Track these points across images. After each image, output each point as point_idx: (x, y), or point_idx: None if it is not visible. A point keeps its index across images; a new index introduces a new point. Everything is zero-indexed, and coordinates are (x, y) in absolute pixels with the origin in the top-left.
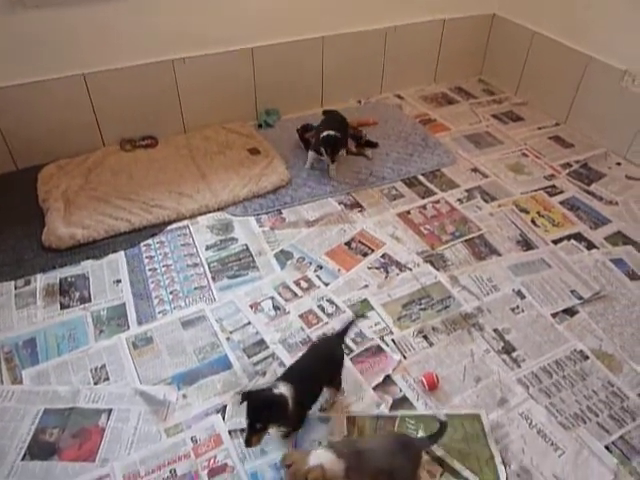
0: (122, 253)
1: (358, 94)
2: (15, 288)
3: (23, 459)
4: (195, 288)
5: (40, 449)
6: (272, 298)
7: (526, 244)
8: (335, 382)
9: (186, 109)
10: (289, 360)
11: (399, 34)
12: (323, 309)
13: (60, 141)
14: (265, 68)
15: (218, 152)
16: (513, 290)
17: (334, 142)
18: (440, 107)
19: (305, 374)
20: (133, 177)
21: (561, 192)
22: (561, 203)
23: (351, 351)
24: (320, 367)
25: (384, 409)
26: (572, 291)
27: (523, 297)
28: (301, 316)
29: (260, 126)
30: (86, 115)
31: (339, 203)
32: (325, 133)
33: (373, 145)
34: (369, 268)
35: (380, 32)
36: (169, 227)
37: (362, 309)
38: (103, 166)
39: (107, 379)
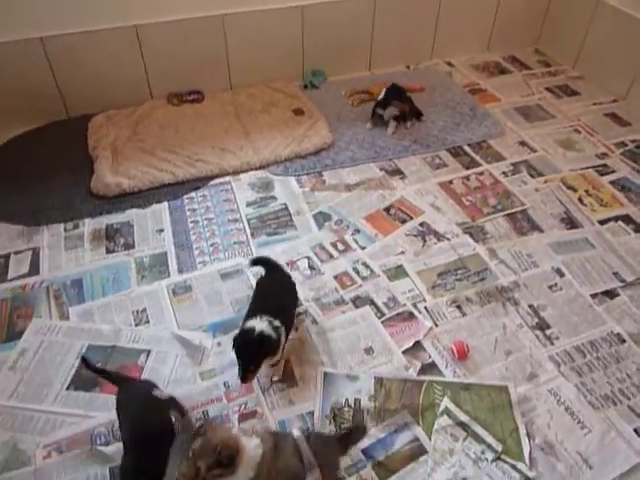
0: (166, 204)
1: (407, 59)
2: (65, 230)
3: (68, 389)
4: (234, 242)
5: (83, 381)
6: (308, 258)
7: (570, 222)
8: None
9: (233, 66)
10: (321, 318)
11: None
12: (358, 272)
13: (110, 92)
14: (314, 28)
15: (262, 111)
16: (552, 268)
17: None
18: (492, 77)
19: (275, 305)
20: (179, 131)
21: (612, 172)
22: (611, 183)
23: (382, 315)
24: (282, 294)
25: (412, 373)
26: (614, 273)
27: (562, 275)
28: (336, 277)
29: (306, 87)
30: (136, 67)
31: (380, 169)
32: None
33: (418, 114)
34: (406, 235)
35: None
36: (212, 182)
37: (397, 275)
38: (150, 119)
39: (147, 322)
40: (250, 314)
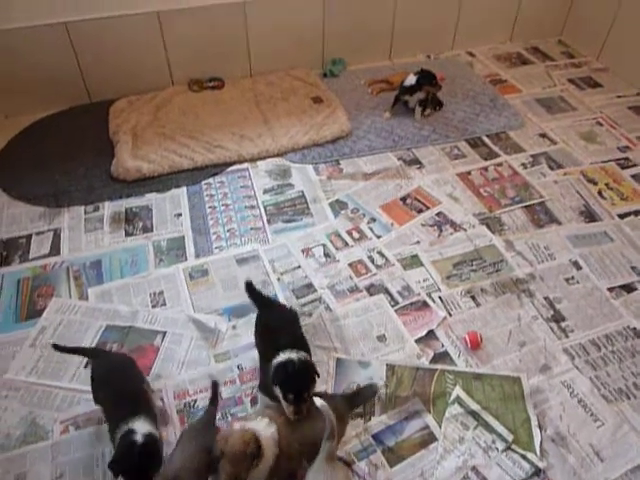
0: (184, 189)
1: (428, 49)
2: (85, 213)
3: (85, 367)
4: (251, 228)
5: None
6: (323, 245)
7: (589, 215)
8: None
9: (253, 53)
10: (335, 305)
11: None
12: (373, 260)
13: (132, 78)
14: (335, 15)
15: (282, 98)
16: (570, 260)
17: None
18: (513, 67)
19: (292, 339)
20: (199, 117)
21: (634, 165)
22: (633, 177)
23: (396, 303)
24: (292, 328)
25: (424, 361)
26: (633, 267)
27: (579, 268)
28: (350, 265)
29: (325, 75)
30: (158, 53)
31: (398, 158)
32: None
33: (439, 104)
34: (422, 225)
35: None
36: (230, 168)
37: (411, 264)
38: (171, 104)
39: (164, 304)
40: (270, 354)
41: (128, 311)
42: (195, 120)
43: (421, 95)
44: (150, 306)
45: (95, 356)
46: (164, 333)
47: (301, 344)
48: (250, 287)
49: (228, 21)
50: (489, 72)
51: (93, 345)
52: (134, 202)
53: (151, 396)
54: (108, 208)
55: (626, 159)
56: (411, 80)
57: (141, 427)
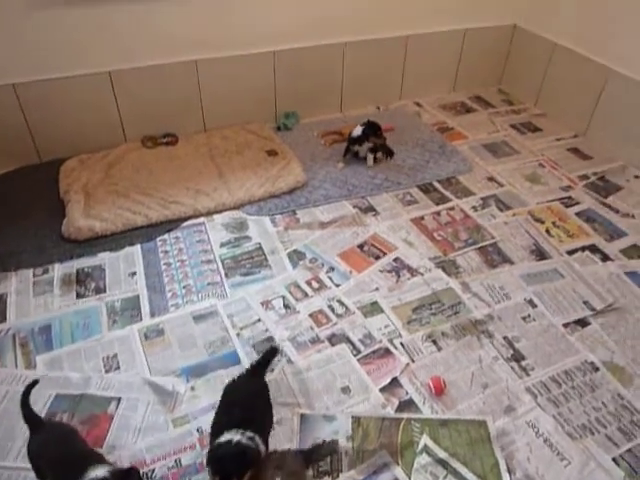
0: (139, 247)
1: (377, 100)
2: (34, 276)
3: None
4: (208, 284)
5: None
6: (283, 297)
7: (540, 254)
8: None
9: (207, 109)
10: (297, 358)
11: (420, 42)
12: (333, 309)
13: (83, 136)
14: (286, 72)
15: (236, 152)
16: (525, 299)
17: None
18: (458, 115)
19: (244, 416)
20: (153, 173)
21: (577, 203)
22: (577, 214)
23: (359, 352)
24: (251, 401)
25: (390, 411)
26: (585, 302)
27: (535, 306)
28: (311, 315)
29: (279, 128)
30: (110, 112)
31: (353, 206)
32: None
33: (390, 153)
34: (380, 271)
35: (401, 40)
36: (185, 223)
37: (372, 311)
38: (124, 161)
39: (118, 368)
40: (216, 431)
41: (79, 378)
42: (149, 176)
43: (369, 145)
44: (103, 371)
45: (37, 428)
46: (118, 399)
47: (255, 422)
48: (274, 351)
49: (181, 79)
50: (436, 120)
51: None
52: (86, 262)
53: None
54: (58, 270)
55: (569, 198)
56: (357, 131)
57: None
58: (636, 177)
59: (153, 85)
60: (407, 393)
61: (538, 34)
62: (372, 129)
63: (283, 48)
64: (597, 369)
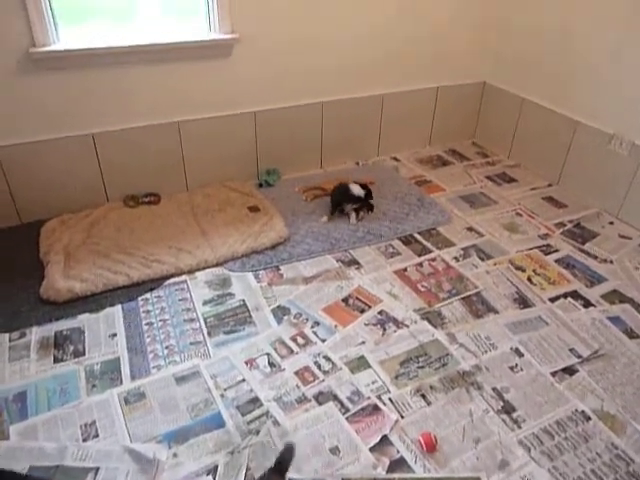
0: (119, 307)
1: (356, 156)
2: (9, 340)
3: None
4: (191, 343)
5: None
6: (268, 354)
7: (523, 302)
8: None
9: (189, 168)
10: (283, 419)
11: (395, 100)
12: (319, 366)
13: (65, 197)
14: (266, 131)
15: (219, 209)
16: (511, 348)
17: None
18: (435, 169)
19: None
20: (134, 232)
21: (556, 251)
22: (556, 261)
23: (347, 410)
24: None
25: (381, 471)
26: (571, 349)
27: (521, 355)
28: (297, 373)
29: (261, 185)
30: (92, 173)
31: (337, 260)
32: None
33: (370, 208)
34: (366, 325)
35: (377, 98)
36: (167, 282)
37: (359, 366)
38: (106, 221)
39: (96, 436)
40: None
41: (55, 448)
42: (131, 235)
43: (354, 205)
44: (81, 439)
45: None
46: (96, 470)
47: None
48: (290, 450)
49: (163, 139)
50: (414, 174)
51: None
52: (65, 325)
53: None
54: (36, 333)
55: (547, 245)
56: (358, 191)
57: None
58: (610, 223)
59: (135, 146)
60: (398, 451)
61: (506, 90)
62: (370, 195)
63: (263, 108)
64: (589, 418)
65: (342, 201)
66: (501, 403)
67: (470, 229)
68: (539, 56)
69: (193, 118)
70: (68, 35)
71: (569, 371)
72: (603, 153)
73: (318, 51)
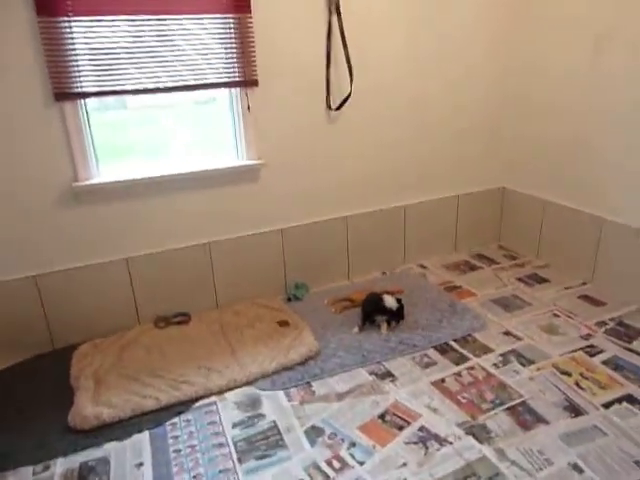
0: (147, 433)
1: (382, 266)
2: (33, 474)
3: None
4: (220, 471)
5: None
6: None
7: (574, 410)
8: None
9: (219, 286)
10: None
11: (417, 210)
12: None
13: (98, 321)
14: (293, 246)
15: (248, 325)
16: (569, 464)
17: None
18: (464, 274)
19: None
20: (165, 354)
21: (601, 351)
22: (604, 363)
23: None
24: None
25: None
26: (636, 462)
27: (581, 471)
28: None
29: (289, 299)
30: (125, 295)
31: (370, 373)
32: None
33: (401, 317)
34: (406, 443)
35: (399, 209)
36: (196, 404)
37: None
38: (136, 344)
39: None
40: None
41: None
42: (161, 357)
43: (385, 316)
44: None
45: None
46: None
47: None
48: None
49: (194, 260)
50: (442, 280)
51: None
52: (90, 454)
53: None
54: (60, 465)
55: (591, 346)
56: (393, 304)
57: None
58: None
59: (167, 268)
60: None
61: (526, 193)
62: (403, 308)
63: (290, 225)
64: None
65: (374, 312)
66: None
67: (507, 333)
68: (554, 156)
69: (224, 238)
70: (108, 170)
71: None
72: (633, 247)
73: (340, 167)
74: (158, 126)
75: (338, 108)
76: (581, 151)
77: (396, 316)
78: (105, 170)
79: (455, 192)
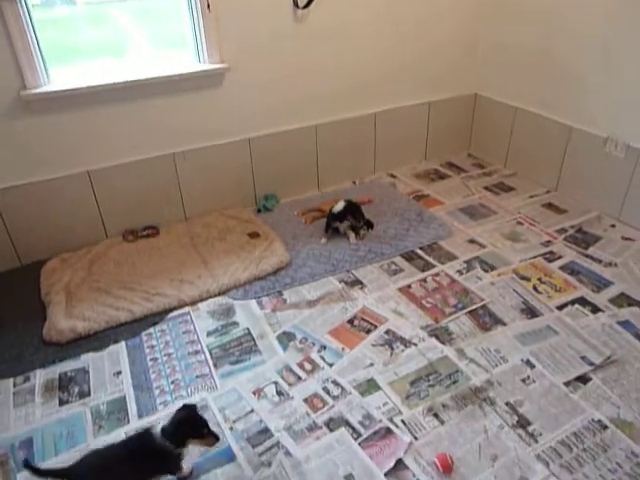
0: (123, 344)
1: (352, 175)
2: (14, 386)
3: None
4: (197, 376)
5: None
6: (275, 383)
7: (530, 312)
8: None
9: (186, 198)
10: (295, 448)
11: (387, 117)
12: (328, 391)
13: (64, 236)
14: (262, 156)
15: (219, 238)
16: (522, 360)
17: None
18: (433, 183)
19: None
20: (135, 267)
21: (560, 257)
22: (561, 268)
23: (359, 435)
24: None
25: None
26: (582, 357)
27: (533, 367)
28: (306, 400)
29: (259, 211)
30: (90, 210)
31: (339, 281)
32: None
33: (370, 225)
34: (373, 345)
35: (369, 117)
36: (170, 315)
37: (369, 389)
38: (106, 257)
39: None
40: None
41: None
42: (131, 270)
43: (347, 223)
44: None
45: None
46: None
47: None
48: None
49: (159, 172)
50: (411, 189)
51: None
52: (69, 365)
53: None
54: (40, 376)
55: (551, 252)
56: (339, 207)
57: None
58: (612, 226)
59: (132, 180)
60: (414, 475)
61: (498, 100)
62: (350, 211)
63: (257, 134)
64: (605, 427)
65: (329, 220)
66: (516, 417)
67: (472, 241)
68: (528, 64)
69: (188, 149)
70: (59, 76)
71: (582, 380)
72: (599, 156)
73: (310, 78)
74: (111, 24)
75: (306, 6)
76: (554, 60)
77: (363, 224)
78: (56, 76)
79: (427, 99)
